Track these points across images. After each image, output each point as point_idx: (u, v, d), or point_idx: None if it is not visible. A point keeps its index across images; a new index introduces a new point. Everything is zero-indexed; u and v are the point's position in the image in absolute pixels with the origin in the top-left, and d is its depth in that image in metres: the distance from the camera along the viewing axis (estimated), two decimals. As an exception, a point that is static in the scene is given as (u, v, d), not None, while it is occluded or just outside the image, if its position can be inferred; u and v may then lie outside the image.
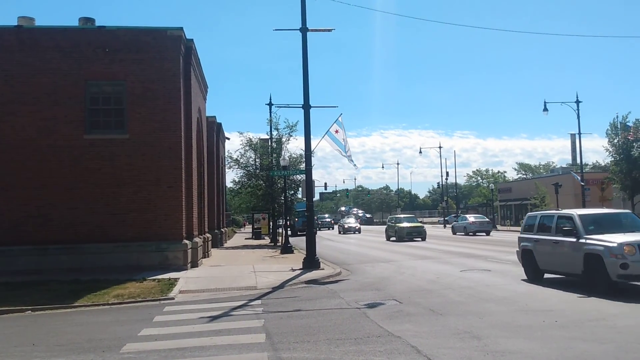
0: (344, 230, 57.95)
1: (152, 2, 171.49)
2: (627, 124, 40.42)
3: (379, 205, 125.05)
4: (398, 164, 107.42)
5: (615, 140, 40.99)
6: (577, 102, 44.74)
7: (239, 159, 37.13)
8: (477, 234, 44.23)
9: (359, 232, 57.02)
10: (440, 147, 77.61)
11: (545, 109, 45.58)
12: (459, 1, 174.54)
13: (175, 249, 18.91)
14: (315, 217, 59.08)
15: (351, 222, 61.87)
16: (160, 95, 19.34)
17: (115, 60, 19.20)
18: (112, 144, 19.17)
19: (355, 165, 32.98)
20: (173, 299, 13.25)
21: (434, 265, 19.74)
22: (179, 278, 16.26)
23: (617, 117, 41.33)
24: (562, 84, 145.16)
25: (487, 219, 48.80)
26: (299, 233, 46.05)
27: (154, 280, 15.85)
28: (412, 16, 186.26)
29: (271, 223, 41.14)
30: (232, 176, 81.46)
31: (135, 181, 19.04)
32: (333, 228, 68.79)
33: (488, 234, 44.18)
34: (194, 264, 19.89)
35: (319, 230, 61.45)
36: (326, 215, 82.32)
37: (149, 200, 19.04)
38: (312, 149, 20.17)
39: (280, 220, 40.27)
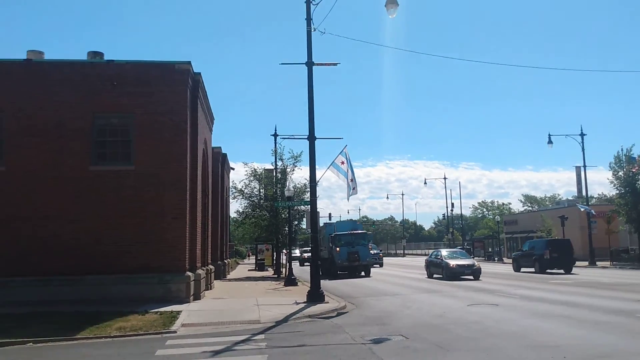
0: None
1: (161, 36, 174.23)
2: (632, 156, 40.43)
3: (384, 236, 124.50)
4: (403, 194, 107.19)
5: (620, 173, 40.95)
6: (582, 134, 44.95)
7: (243, 189, 37.25)
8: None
9: (381, 266, 49.66)
10: (445, 178, 77.76)
11: (550, 142, 45.80)
12: (466, 33, 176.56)
13: (178, 281, 18.79)
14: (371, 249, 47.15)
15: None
16: (167, 128, 19.47)
17: (123, 94, 19.40)
18: (118, 175, 19.24)
19: (348, 198, 32.32)
20: (175, 332, 13.10)
21: (440, 299, 19.52)
22: (181, 311, 16.11)
23: (622, 149, 41.40)
24: (567, 117, 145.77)
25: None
26: (339, 273, 35.28)
27: (157, 312, 15.70)
28: (417, 51, 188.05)
29: (275, 254, 40.93)
30: (236, 206, 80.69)
31: (140, 212, 19.03)
32: (382, 265, 50.99)
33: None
34: (197, 297, 19.74)
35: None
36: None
37: (153, 231, 19.00)
38: (316, 180, 20.18)
39: (284, 251, 40.09)
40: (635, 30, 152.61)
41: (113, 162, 19.44)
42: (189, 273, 19.31)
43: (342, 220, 43.73)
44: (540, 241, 39.28)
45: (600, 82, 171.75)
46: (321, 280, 19.96)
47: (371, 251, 43.74)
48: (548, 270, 34.08)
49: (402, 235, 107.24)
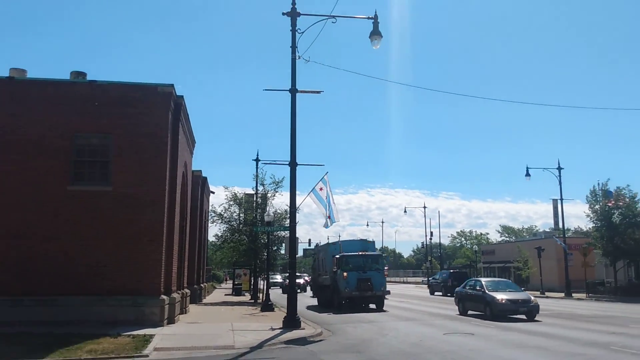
0: None
1: (146, 58, 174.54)
2: (608, 190, 41.11)
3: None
4: (383, 222, 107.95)
5: (597, 207, 41.56)
6: (559, 168, 45.67)
7: (222, 213, 36.98)
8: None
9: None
10: (425, 207, 78.22)
11: (528, 174, 46.44)
12: (450, 67, 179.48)
13: (153, 304, 18.53)
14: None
15: None
16: (147, 150, 19.40)
17: (104, 114, 19.34)
18: (95, 195, 19.05)
19: (327, 226, 26.98)
20: (147, 356, 12.89)
21: (416, 327, 19.49)
22: (154, 335, 15.86)
23: (598, 184, 42.11)
24: (545, 150, 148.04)
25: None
26: (344, 303, 28.64)
27: (129, 336, 15.43)
28: (399, 82, 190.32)
29: (252, 279, 40.57)
30: (214, 230, 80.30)
31: (116, 234, 18.82)
32: (304, 290, 51.23)
33: None
34: (171, 321, 19.47)
35: None
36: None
37: (129, 253, 18.77)
38: (297, 206, 20.19)
39: (262, 276, 39.58)
40: (610, 68, 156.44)
41: (91, 182, 19.27)
42: (164, 296, 19.07)
43: (349, 239, 36.40)
44: (446, 272, 54.39)
45: (578, 118, 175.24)
46: (322, 315, 22.32)
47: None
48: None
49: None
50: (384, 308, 28.71)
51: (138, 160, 19.28)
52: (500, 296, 22.69)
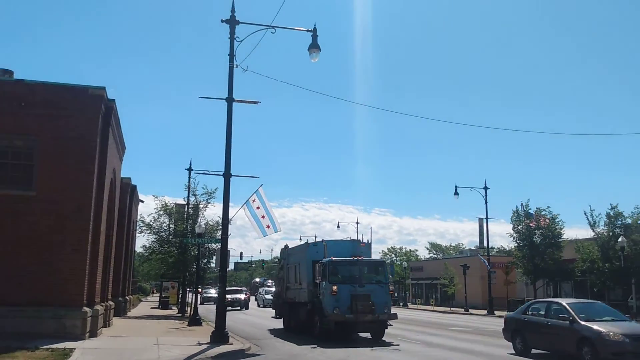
0: (267, 303, 48.85)
1: (77, 58, 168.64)
2: (530, 211, 42.93)
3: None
4: (316, 237, 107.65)
5: (519, 227, 43.28)
6: (485, 188, 47.34)
7: (151, 223, 35.97)
8: None
9: None
10: (357, 223, 78.86)
11: (456, 193, 47.88)
12: (385, 81, 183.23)
13: (74, 316, 17.70)
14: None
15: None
16: (75, 154, 18.63)
17: (31, 115, 18.43)
18: (17, 200, 18.06)
19: (265, 234, 23.18)
20: (67, 371, 12.27)
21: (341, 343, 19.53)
22: (75, 349, 15.11)
23: (521, 204, 43.90)
24: (474, 170, 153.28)
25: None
26: (331, 328, 20.12)
27: (48, 349, 14.63)
28: (333, 95, 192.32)
29: (181, 292, 39.59)
30: (142, 241, 77.92)
31: (38, 241, 17.89)
32: (246, 307, 48.54)
33: None
34: (93, 334, 18.65)
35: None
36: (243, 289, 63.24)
37: (50, 262, 17.86)
38: (230, 218, 19.91)
39: (190, 289, 38.57)
40: (538, 89, 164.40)
41: (13, 186, 18.27)
42: (86, 308, 18.26)
43: (336, 240, 27.34)
44: None
45: (505, 139, 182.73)
46: (301, 348, 16.73)
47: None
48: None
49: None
50: (385, 338, 20.75)
51: (65, 164, 18.47)
52: (608, 329, 14.38)
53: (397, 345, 18.78)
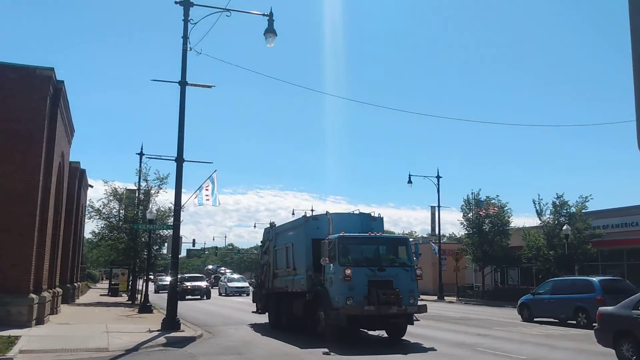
0: (230, 291, 47.24)
1: (26, 38, 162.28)
2: (480, 200, 43.95)
3: (249, 264, 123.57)
4: (271, 224, 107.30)
5: (469, 215, 44.26)
6: (438, 177, 48.15)
7: (101, 208, 35.12)
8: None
9: (248, 295, 43.17)
10: (312, 210, 79.06)
11: (410, 182, 48.53)
12: (337, 69, 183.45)
13: (20, 303, 17.18)
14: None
15: (239, 281, 50.09)
16: (21, 137, 17.98)
17: (-28, 95, 17.68)
18: (-43, 184, 17.34)
19: (201, 203, 22.11)
20: (12, 359, 11.93)
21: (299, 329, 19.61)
22: (20, 336, 14.69)
23: (472, 193, 44.88)
24: (428, 159, 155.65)
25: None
26: (342, 325, 15.68)
27: (-9, 337, 14.20)
28: (288, 81, 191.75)
29: (131, 279, 38.93)
30: (92, 227, 76.20)
31: (-19, 226, 17.24)
32: (208, 296, 43.57)
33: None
34: (40, 321, 18.18)
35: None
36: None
37: (-6, 248, 17.26)
38: (182, 204, 19.67)
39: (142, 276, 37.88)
40: (491, 83, 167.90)
41: (-47, 169, 17.53)
42: (33, 295, 17.75)
43: (342, 212, 20.18)
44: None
45: (459, 130, 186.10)
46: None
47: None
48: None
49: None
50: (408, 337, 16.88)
51: (10, 147, 17.81)
52: None
53: (433, 349, 14.68)
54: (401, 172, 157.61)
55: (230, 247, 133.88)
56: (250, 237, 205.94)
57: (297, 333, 17.74)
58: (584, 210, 36.56)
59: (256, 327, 20.68)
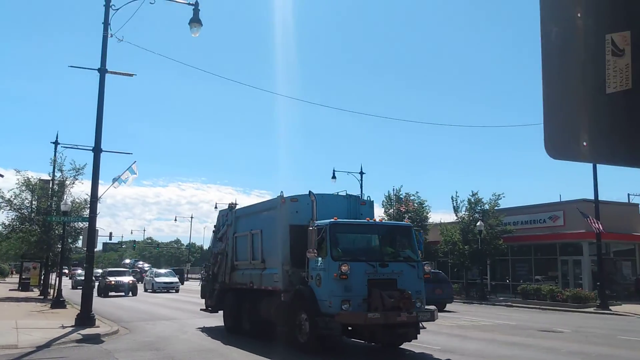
0: (158, 287, 43.60)
1: None
2: (400, 196, 45.21)
3: (169, 259, 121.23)
4: (192, 217, 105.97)
5: (390, 211, 45.40)
6: (361, 173, 48.98)
7: (12, 199, 33.32)
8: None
9: (177, 291, 42.73)
10: (236, 204, 78.51)
11: (334, 177, 49.16)
12: (268, 58, 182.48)
13: None
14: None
15: (167, 276, 46.23)
16: None
17: None
18: None
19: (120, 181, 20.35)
20: None
21: (220, 323, 19.50)
22: None
23: (393, 189, 46.04)
24: (353, 155, 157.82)
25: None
26: (332, 334, 12.78)
27: None
28: (208, 71, 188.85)
29: (43, 273, 37.22)
30: (1, 218, 72.39)
31: None
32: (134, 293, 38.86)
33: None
34: (-59, 318, 17.10)
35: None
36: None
37: None
38: (99, 196, 19.04)
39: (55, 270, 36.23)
40: (416, 87, 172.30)
41: None
42: None
43: (326, 193, 16.01)
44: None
45: (383, 128, 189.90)
46: None
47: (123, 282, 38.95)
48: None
49: (187, 259, 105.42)
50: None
51: None
52: None
53: None
54: (327, 168, 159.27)
55: (149, 240, 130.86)
56: (170, 231, 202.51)
57: (266, 340, 14.83)
58: (496, 208, 38.35)
59: (207, 330, 17.52)
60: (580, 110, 1.96)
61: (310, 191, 14.20)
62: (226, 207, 20.01)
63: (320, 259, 12.89)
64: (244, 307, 16.41)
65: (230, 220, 18.46)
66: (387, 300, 12.18)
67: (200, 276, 28.29)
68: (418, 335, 13.02)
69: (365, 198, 16.43)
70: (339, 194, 15.98)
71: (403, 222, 15.47)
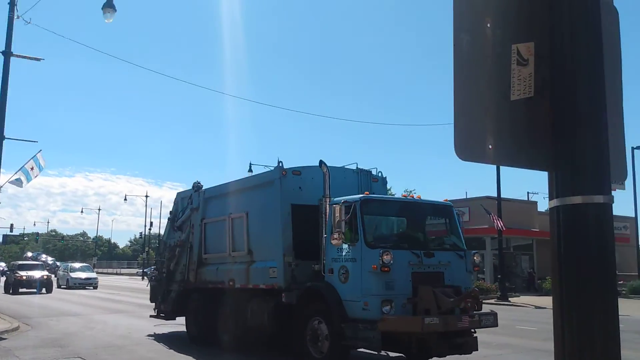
0: (74, 283, 39.69)
1: None
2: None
3: (74, 252, 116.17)
4: (100, 209, 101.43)
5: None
6: (279, 165, 49.12)
7: None
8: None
9: (96, 288, 39.63)
10: (147, 196, 76.16)
11: (250, 170, 48.81)
12: (199, 53, 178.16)
13: None
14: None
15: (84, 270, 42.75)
16: None
17: None
18: None
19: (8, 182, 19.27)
20: None
21: (127, 320, 18.97)
22: None
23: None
24: (268, 148, 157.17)
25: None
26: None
27: None
28: (115, 56, 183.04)
29: None
30: None
31: None
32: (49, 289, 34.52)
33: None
34: None
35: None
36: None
37: None
38: (0, 185, 17.94)
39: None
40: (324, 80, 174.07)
41: None
42: None
43: (333, 166, 11.55)
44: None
45: (300, 121, 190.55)
46: None
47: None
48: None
49: (93, 253, 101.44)
50: None
51: None
52: None
53: None
54: (243, 160, 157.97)
55: (54, 233, 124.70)
56: (76, 223, 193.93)
57: (256, 356, 12.24)
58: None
59: (163, 340, 14.30)
60: (486, 115, 2.10)
61: (321, 161, 11.12)
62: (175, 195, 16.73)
63: (346, 246, 9.89)
64: (220, 312, 12.94)
65: (196, 203, 14.69)
66: (445, 300, 9.23)
67: (147, 274, 25.01)
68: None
69: (376, 174, 12.91)
70: (349, 167, 12.70)
71: (442, 201, 11.80)
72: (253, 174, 18.95)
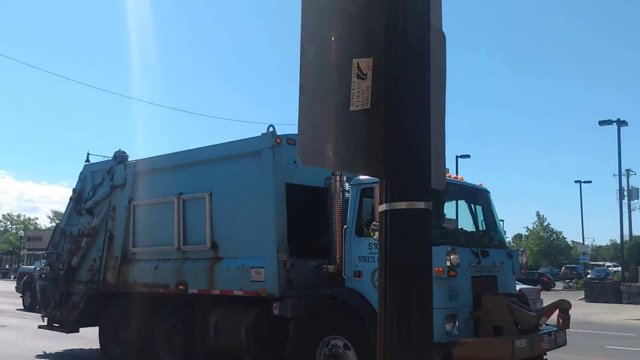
0: None
1: None
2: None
3: None
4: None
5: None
6: (122, 158, 46.66)
7: None
8: None
9: None
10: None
11: (88, 160, 45.90)
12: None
13: None
14: None
15: None
16: None
17: None
18: None
19: None
20: None
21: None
22: None
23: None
24: (110, 137, 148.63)
25: None
26: None
27: None
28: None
29: None
30: None
31: None
32: None
33: None
34: None
35: None
36: None
37: None
38: None
39: None
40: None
41: None
42: None
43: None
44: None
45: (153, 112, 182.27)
46: None
47: None
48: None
49: None
50: None
51: None
52: None
53: None
54: (82, 149, 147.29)
55: None
56: None
57: None
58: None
59: None
60: (328, 124, 2.25)
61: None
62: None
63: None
64: (162, 326, 9.88)
65: (120, 179, 11.35)
66: (524, 315, 7.32)
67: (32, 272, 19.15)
68: None
69: None
70: None
71: (478, 185, 9.26)
72: (91, 162, 15.54)
